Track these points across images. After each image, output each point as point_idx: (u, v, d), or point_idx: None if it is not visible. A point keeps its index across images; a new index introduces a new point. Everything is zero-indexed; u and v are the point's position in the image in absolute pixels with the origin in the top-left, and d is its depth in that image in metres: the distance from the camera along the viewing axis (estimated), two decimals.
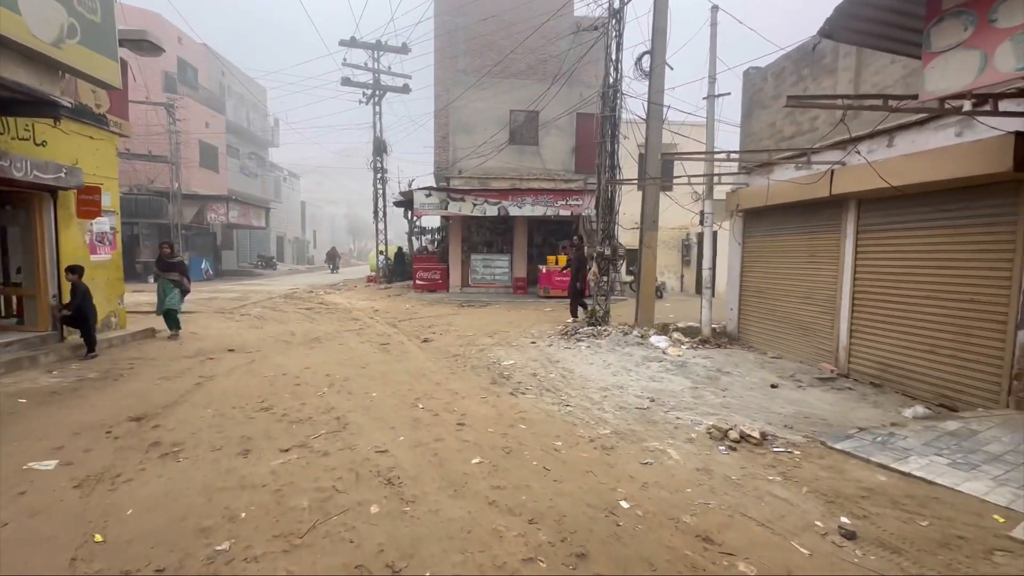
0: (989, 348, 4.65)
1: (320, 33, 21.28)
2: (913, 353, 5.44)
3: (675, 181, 8.83)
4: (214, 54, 25.03)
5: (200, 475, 3.24)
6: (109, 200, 7.60)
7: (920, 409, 4.80)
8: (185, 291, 8.43)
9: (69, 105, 5.49)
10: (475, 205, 14.71)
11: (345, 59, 18.04)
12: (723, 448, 3.72)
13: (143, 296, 14.26)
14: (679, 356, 7.32)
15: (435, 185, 16.82)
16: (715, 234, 9.45)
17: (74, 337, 7.00)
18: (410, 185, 23.95)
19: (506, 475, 3.24)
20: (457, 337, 8.81)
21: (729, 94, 8.46)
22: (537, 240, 18.25)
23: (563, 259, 15.42)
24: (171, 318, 8.21)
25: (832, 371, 6.41)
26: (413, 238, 24.98)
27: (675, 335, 8.59)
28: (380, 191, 19.39)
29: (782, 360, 7.25)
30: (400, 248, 22.89)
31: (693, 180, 8.48)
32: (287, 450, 3.64)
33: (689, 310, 13.02)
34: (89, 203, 6.92)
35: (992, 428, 3.78)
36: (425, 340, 8.47)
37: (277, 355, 7.17)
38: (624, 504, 2.88)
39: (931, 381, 5.23)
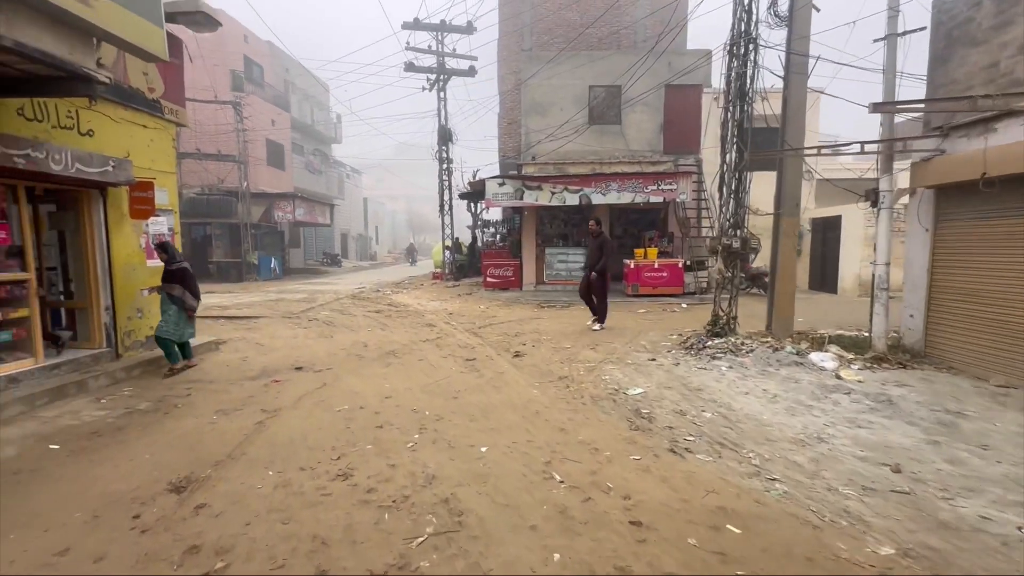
0: None
1: (384, 9, 20.03)
2: None
3: (843, 149, 6.83)
4: (279, 51, 24.95)
5: None
6: (166, 197, 6.74)
7: None
8: (186, 308, 5.92)
9: (107, 81, 4.48)
10: (553, 193, 13.17)
11: (408, 43, 16.97)
12: None
13: (214, 299, 13.91)
14: (860, 382, 5.47)
15: (502, 173, 15.38)
16: (875, 218, 7.35)
17: (133, 354, 6.19)
18: (474, 176, 22.79)
19: None
20: (553, 350, 7.36)
21: (924, 28, 6.34)
22: (618, 231, 16.48)
23: (653, 252, 13.61)
24: (168, 348, 5.90)
25: None
26: (477, 231, 23.88)
27: (832, 349, 6.69)
28: (446, 182, 18.26)
29: (1019, 392, 5.21)
30: (475, 239, 21.59)
31: (867, 148, 6.49)
32: None
33: (816, 311, 10.85)
34: (142, 200, 6.05)
35: None
36: (516, 354, 7.08)
37: (350, 375, 6.02)
38: None
39: None
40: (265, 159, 22.21)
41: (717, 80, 19.02)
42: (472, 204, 23.70)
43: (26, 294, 5.00)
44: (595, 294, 8.86)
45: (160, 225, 6.68)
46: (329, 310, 11.78)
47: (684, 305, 12.02)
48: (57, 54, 4.11)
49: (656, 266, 13.20)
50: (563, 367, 6.38)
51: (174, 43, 6.89)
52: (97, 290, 5.77)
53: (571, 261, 15.85)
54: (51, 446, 3.92)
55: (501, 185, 13.31)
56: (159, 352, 6.44)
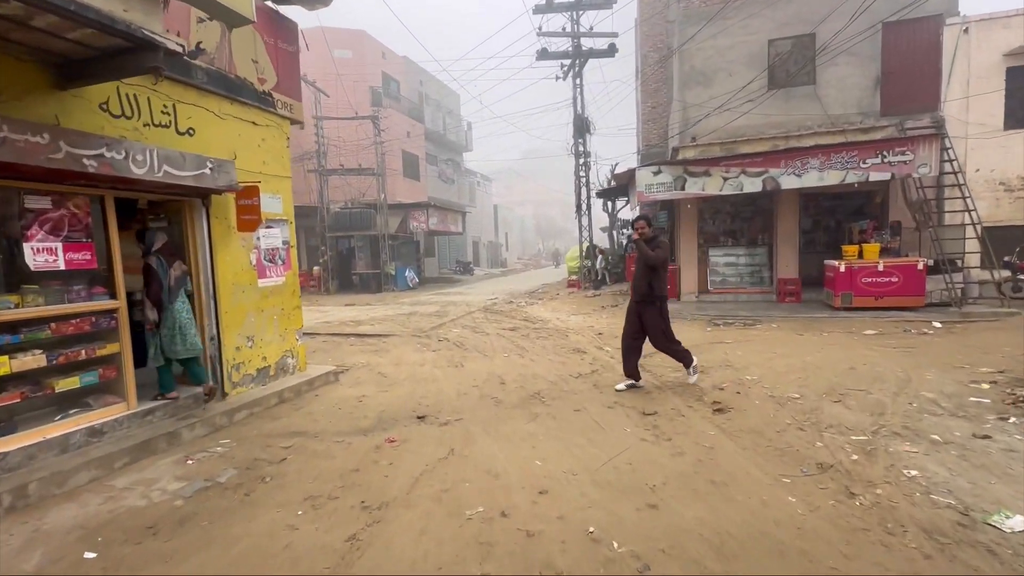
0: None
1: None
2: None
3: None
4: (414, 64, 25.44)
5: None
6: (280, 205, 5.80)
7: None
8: (144, 324, 4.45)
9: (179, 50, 3.38)
10: (726, 179, 10.38)
11: (540, 28, 15.42)
12: None
13: (350, 312, 13.72)
14: None
15: (656, 161, 12.82)
16: None
17: (242, 391, 5.27)
18: (613, 170, 20.53)
19: None
20: (772, 400, 4.89)
21: None
22: (805, 224, 12.95)
23: (872, 249, 10.01)
24: (161, 373, 4.53)
25: None
26: (614, 233, 21.54)
27: None
28: (583, 179, 16.29)
29: None
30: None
31: None
32: None
33: None
34: (247, 209, 5.09)
35: None
36: (717, 408, 4.78)
37: (485, 434, 4.33)
38: None
39: None
40: (401, 171, 22.55)
41: (970, 5, 14.14)
42: (608, 203, 21.44)
43: (115, 326, 4.17)
44: (649, 332, 5.34)
45: (274, 238, 5.75)
46: (460, 327, 10.54)
47: (937, 325, 8.38)
48: (104, 9, 3.01)
49: (880, 268, 9.61)
50: (808, 438, 3.94)
51: (288, 27, 5.98)
52: (201, 317, 4.89)
53: (742, 264, 12.78)
54: (87, 554, 2.77)
55: (656, 174, 10.90)
56: (270, 389, 5.46)
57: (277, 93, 5.76)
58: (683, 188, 10.76)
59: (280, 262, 5.83)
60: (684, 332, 8.84)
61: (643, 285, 5.28)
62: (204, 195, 4.82)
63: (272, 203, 5.65)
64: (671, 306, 5.89)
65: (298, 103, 6.11)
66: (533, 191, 64.26)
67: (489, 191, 38.14)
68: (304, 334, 6.42)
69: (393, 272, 19.99)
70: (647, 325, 5.35)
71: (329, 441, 4.34)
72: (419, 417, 4.87)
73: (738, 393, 5.22)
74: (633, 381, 5.47)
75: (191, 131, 4.73)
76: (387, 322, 11.50)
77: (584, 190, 16.39)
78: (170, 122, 4.54)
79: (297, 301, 6.09)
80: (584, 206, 16.69)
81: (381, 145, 19.56)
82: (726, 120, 11.52)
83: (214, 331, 4.98)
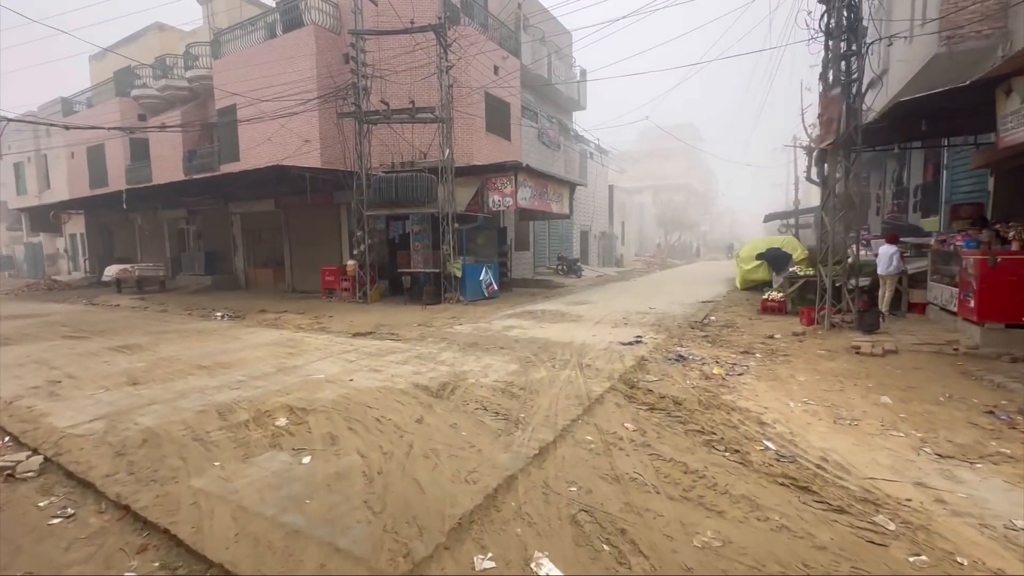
0: None
1: None
2: None
3: None
4: None
5: None
6: None
7: None
8: None
9: None
10: None
11: None
12: None
13: (336, 361, 6.20)
14: None
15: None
16: None
17: None
18: (879, 77, 11.38)
19: None
20: None
21: None
22: None
23: None
24: None
25: None
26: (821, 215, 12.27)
27: None
28: (853, 85, 7.47)
29: None
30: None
31: None
32: None
33: None
34: None
35: None
36: None
37: None
38: None
39: None
40: (484, 122, 15.35)
41: None
42: (816, 165, 12.17)
43: None
44: None
45: None
46: (579, 506, 2.82)
47: None
48: None
49: None
50: None
51: None
52: None
53: None
54: None
55: None
56: None
57: None
58: None
59: None
60: None
61: None
62: None
63: None
64: None
65: None
66: (652, 175, 54.34)
67: (604, 164, 29.67)
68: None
69: (459, 273, 12.82)
70: None
71: None
72: None
73: None
74: None
75: None
76: (358, 421, 4.16)
77: (843, 109, 7.50)
78: None
79: None
80: (814, 156, 7.84)
81: (447, 73, 12.40)
82: None
83: None
